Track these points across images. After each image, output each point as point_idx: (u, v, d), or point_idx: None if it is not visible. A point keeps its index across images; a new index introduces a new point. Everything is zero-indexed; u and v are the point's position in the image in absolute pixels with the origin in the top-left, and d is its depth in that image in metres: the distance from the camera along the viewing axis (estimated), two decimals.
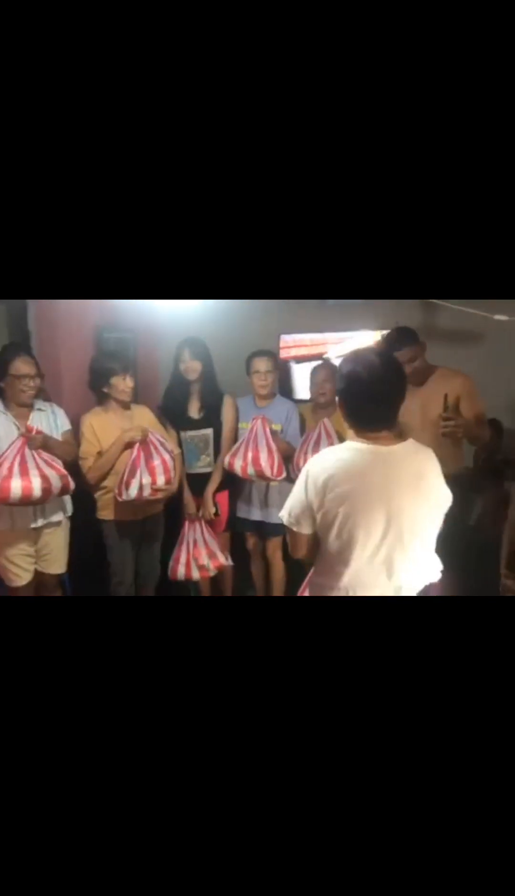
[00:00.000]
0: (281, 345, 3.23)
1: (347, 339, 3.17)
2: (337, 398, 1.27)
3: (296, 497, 1.26)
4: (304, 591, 1.68)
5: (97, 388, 2.18)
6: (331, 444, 2.17)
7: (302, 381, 2.99)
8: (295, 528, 1.30)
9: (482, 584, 1.78)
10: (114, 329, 3.21)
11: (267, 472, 2.19)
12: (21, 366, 1.92)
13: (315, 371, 2.46)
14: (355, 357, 1.23)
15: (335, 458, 1.22)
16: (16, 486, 1.76)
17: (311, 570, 1.42)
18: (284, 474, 2.23)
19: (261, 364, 2.38)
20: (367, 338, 3.16)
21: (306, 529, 1.28)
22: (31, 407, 2.02)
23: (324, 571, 1.30)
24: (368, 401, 1.19)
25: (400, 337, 2.07)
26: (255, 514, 2.46)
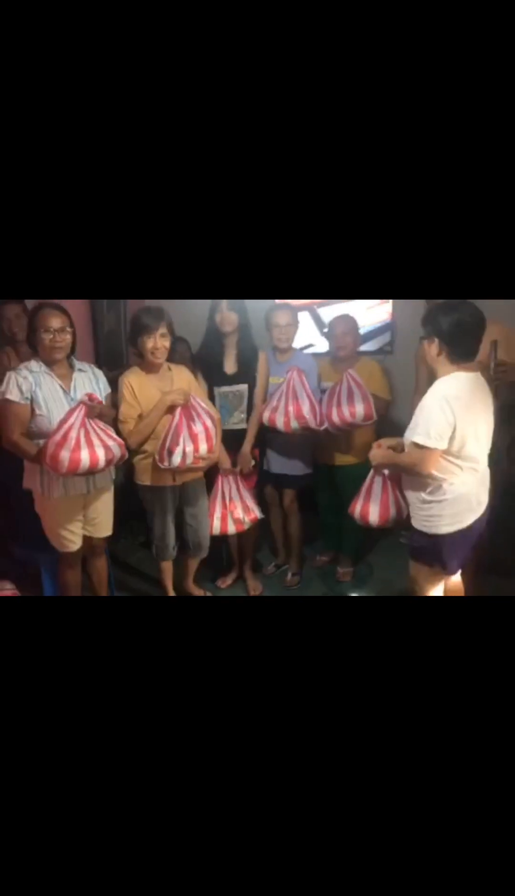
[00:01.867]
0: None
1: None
2: (436, 339, 1.61)
3: (437, 418, 1.56)
4: (401, 512, 1.89)
5: (133, 344, 2.11)
6: (362, 393, 2.27)
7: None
8: (432, 445, 1.58)
9: None
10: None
11: (312, 423, 2.23)
12: (49, 319, 1.82)
13: (333, 324, 2.50)
14: (455, 306, 1.59)
15: (461, 383, 1.60)
16: (85, 458, 1.75)
17: (409, 491, 1.75)
18: (326, 424, 2.29)
19: (282, 318, 2.40)
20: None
21: (443, 444, 1.58)
22: (71, 367, 1.95)
23: (426, 485, 1.67)
24: (474, 339, 1.60)
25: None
26: (275, 467, 2.55)
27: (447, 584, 1.87)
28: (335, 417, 2.29)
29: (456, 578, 1.90)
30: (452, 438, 1.58)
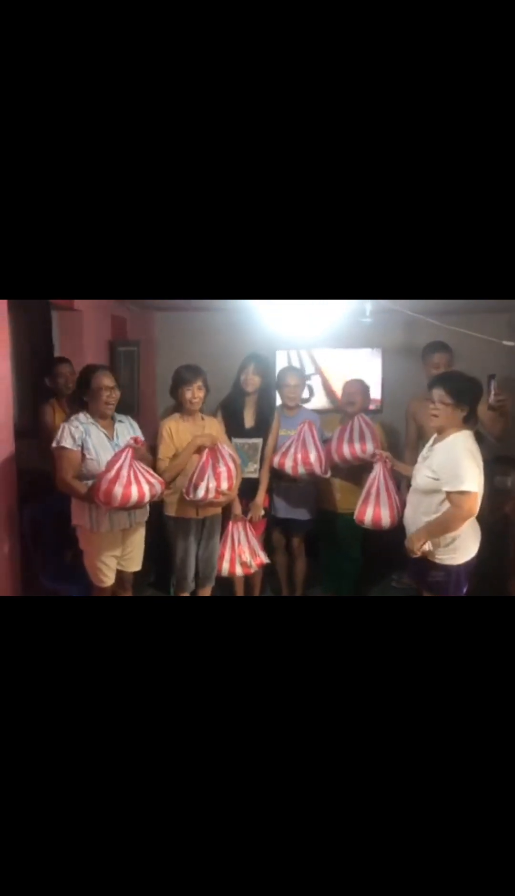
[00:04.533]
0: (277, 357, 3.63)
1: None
2: (464, 406, 1.94)
3: (473, 466, 1.89)
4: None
5: (174, 395, 2.42)
6: (371, 433, 2.57)
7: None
8: (477, 490, 1.88)
9: None
10: (123, 343, 3.44)
11: (317, 470, 2.53)
12: (104, 379, 2.12)
13: (348, 385, 2.85)
14: (475, 381, 2.00)
15: (473, 438, 1.97)
16: (134, 493, 2.00)
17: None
18: (329, 473, 2.59)
19: (292, 379, 2.76)
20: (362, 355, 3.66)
21: (480, 488, 1.89)
22: (112, 419, 2.22)
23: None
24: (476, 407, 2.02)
25: (433, 346, 2.67)
26: (282, 513, 2.81)
27: None
28: (346, 453, 2.58)
29: None
30: None
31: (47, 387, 2.57)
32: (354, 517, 2.28)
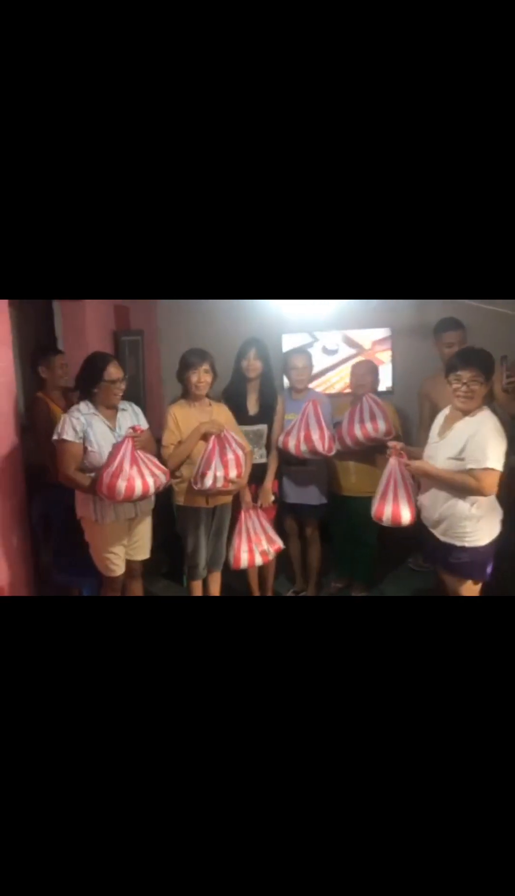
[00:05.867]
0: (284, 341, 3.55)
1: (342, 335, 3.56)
2: (487, 381, 1.88)
3: (499, 445, 1.85)
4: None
5: (180, 380, 2.37)
6: (382, 411, 2.51)
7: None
8: (500, 468, 1.84)
9: None
10: (127, 333, 3.40)
11: (320, 448, 2.46)
12: (114, 371, 2.08)
13: (357, 366, 2.79)
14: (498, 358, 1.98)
15: (496, 416, 1.92)
16: (138, 486, 1.96)
17: (447, 511, 1.94)
18: (334, 451, 2.53)
19: (300, 361, 2.69)
20: (366, 335, 3.56)
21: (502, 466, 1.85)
22: (116, 407, 2.18)
23: (471, 501, 1.92)
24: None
25: (445, 323, 2.55)
26: (292, 497, 2.75)
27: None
28: (358, 433, 2.52)
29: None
30: None
31: (41, 378, 2.53)
32: (372, 514, 2.20)
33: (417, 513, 2.11)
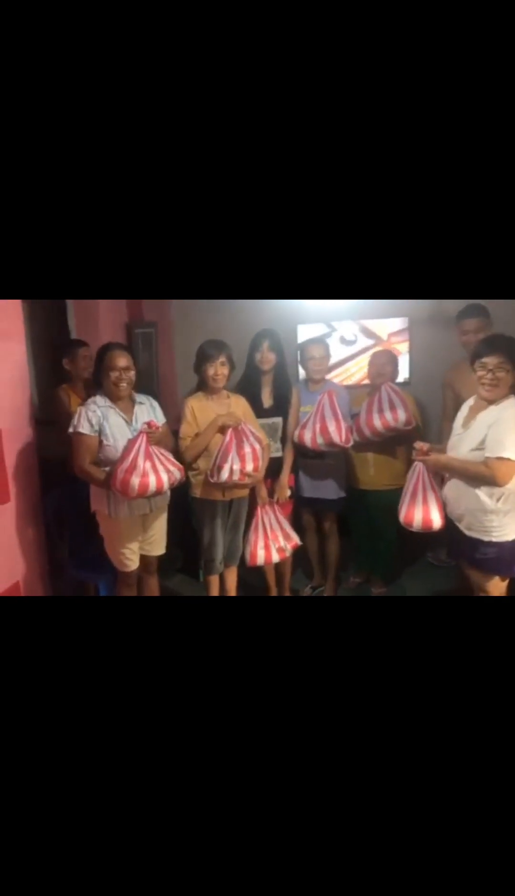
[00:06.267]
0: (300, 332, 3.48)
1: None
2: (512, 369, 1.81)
3: None
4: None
5: (197, 372, 2.32)
6: (401, 401, 2.44)
7: None
8: None
9: None
10: (140, 325, 3.36)
11: (337, 440, 2.41)
12: (118, 359, 2.03)
13: (376, 356, 2.72)
14: None
15: None
16: (152, 482, 1.92)
17: (470, 505, 1.87)
18: (352, 442, 2.47)
19: (317, 351, 2.61)
20: (383, 325, 3.49)
21: None
22: (132, 400, 2.13)
23: (495, 495, 1.84)
24: None
25: (469, 309, 2.45)
26: (308, 492, 2.70)
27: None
28: (377, 424, 2.46)
29: None
30: None
31: (65, 370, 2.50)
32: (401, 519, 2.11)
33: (445, 515, 2.04)
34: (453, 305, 2.71)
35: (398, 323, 3.46)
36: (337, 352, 3.40)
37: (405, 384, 3.42)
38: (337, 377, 3.42)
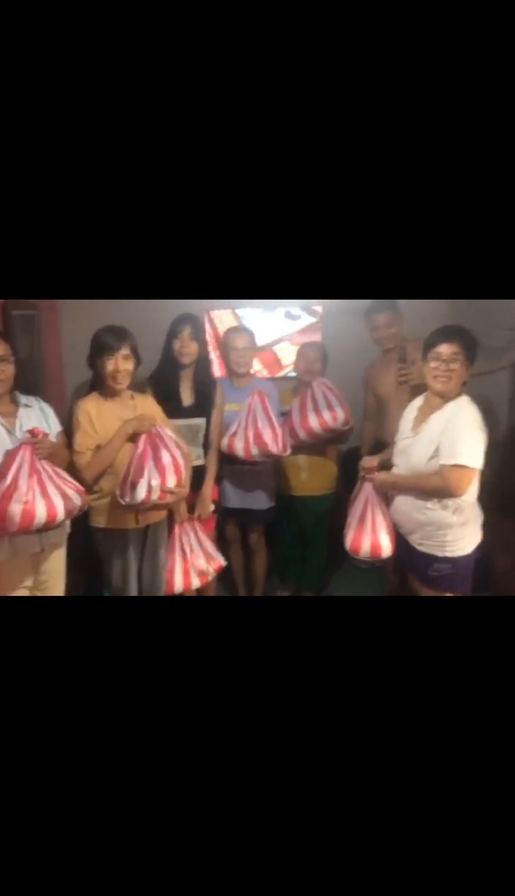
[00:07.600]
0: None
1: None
2: (468, 365, 1.64)
3: (477, 439, 1.59)
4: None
5: (92, 367, 1.84)
6: (337, 398, 2.20)
7: None
8: (477, 466, 1.59)
9: None
10: (18, 306, 2.81)
11: (274, 449, 2.10)
12: None
13: (305, 348, 2.42)
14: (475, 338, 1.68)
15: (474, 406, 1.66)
16: (40, 511, 1.43)
17: (424, 520, 1.68)
18: (290, 451, 2.17)
19: (239, 341, 2.25)
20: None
21: (482, 464, 1.60)
22: (15, 402, 1.64)
23: (450, 507, 1.67)
24: None
25: (378, 304, 2.21)
26: (234, 502, 2.36)
27: None
28: (313, 425, 2.18)
29: None
30: None
31: None
32: (347, 547, 1.90)
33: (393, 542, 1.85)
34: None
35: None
36: (280, 328, 3.05)
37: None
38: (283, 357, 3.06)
